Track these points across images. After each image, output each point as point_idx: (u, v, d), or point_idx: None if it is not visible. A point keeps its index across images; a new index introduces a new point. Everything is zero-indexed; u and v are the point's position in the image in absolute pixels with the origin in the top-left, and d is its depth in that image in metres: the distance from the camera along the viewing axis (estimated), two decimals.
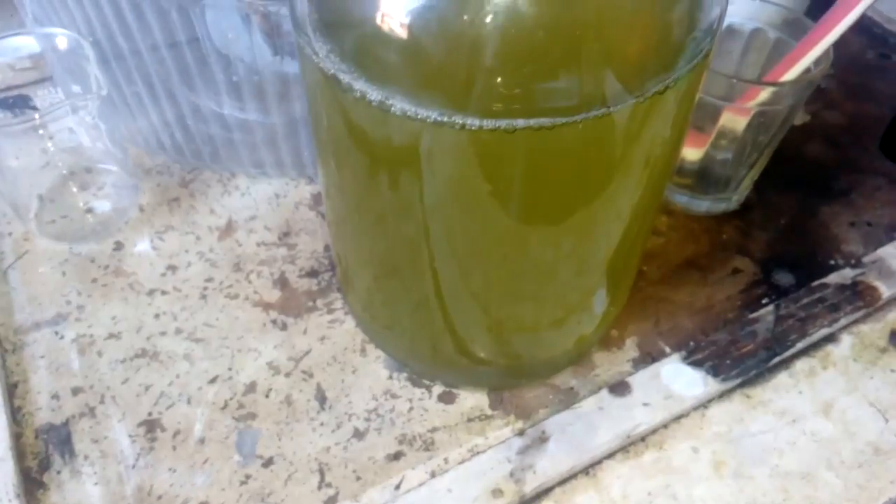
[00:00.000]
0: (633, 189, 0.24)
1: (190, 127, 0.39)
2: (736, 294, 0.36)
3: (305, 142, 0.39)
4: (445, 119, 0.20)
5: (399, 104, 0.20)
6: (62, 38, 0.34)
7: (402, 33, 0.19)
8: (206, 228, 0.38)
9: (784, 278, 0.36)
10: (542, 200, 0.23)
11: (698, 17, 0.20)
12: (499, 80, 0.19)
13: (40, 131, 0.36)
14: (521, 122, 0.19)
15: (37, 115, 0.32)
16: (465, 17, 0.18)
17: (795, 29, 0.35)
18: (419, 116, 0.20)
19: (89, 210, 0.38)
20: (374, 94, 0.20)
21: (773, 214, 0.39)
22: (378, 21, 0.19)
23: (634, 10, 0.19)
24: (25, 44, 0.37)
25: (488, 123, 0.19)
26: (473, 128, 0.19)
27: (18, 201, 0.37)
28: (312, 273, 0.37)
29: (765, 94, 0.33)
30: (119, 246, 0.37)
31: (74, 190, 0.39)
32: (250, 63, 0.35)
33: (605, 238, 0.26)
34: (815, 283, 0.36)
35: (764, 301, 0.35)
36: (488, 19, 0.18)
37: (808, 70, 0.33)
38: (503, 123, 0.19)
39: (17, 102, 0.43)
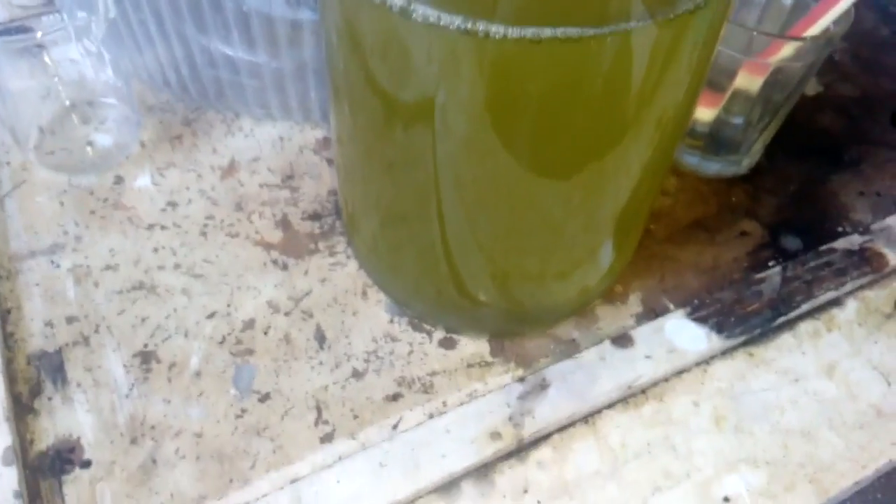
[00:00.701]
0: (648, 134, 0.24)
1: (197, 65, 0.38)
2: (743, 255, 0.35)
3: (314, 86, 0.38)
4: (469, 26, 0.19)
5: (422, 9, 0.19)
6: None
7: None
8: (209, 167, 0.38)
9: (791, 242, 0.36)
10: (558, 134, 0.22)
11: None
12: None
13: (45, 58, 0.35)
14: (547, 32, 0.19)
15: (39, 33, 0.31)
16: None
17: None
18: (442, 23, 0.19)
19: (90, 143, 0.38)
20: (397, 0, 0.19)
21: (782, 180, 0.39)
22: None
23: None
24: None
25: (514, 31, 0.19)
26: (498, 36, 0.19)
27: (18, 130, 0.37)
28: (315, 216, 0.36)
29: (786, 49, 0.32)
30: (119, 180, 0.37)
31: (76, 122, 0.38)
32: (264, 10, 0.34)
33: (615, 191, 0.26)
34: (823, 247, 0.35)
35: (770, 263, 0.35)
36: None
37: (827, 29, 0.33)
38: (529, 32, 0.19)
39: (20, 31, 0.42)
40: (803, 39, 0.32)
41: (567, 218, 0.26)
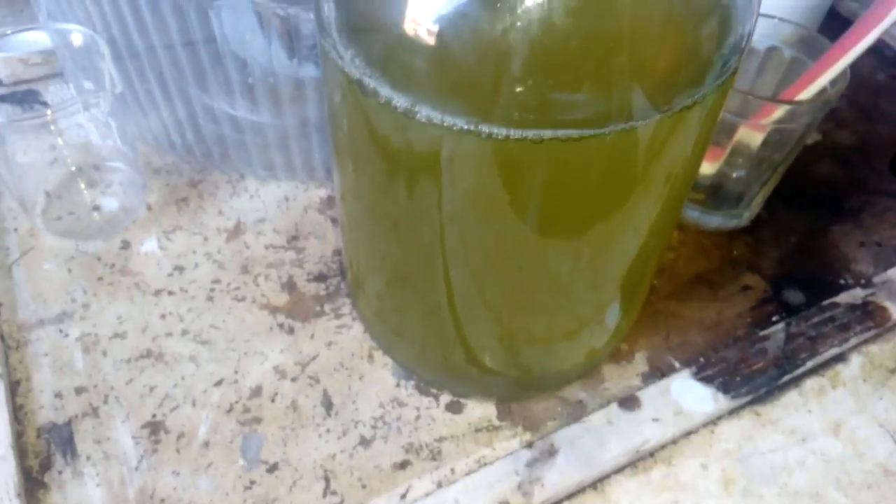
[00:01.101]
0: (653, 204, 0.24)
1: (201, 126, 0.38)
2: (746, 311, 0.36)
3: (317, 145, 0.39)
4: (472, 128, 0.19)
5: (425, 111, 0.20)
6: (77, 35, 0.34)
7: (431, 40, 0.19)
8: (215, 229, 0.38)
9: (794, 296, 0.36)
10: (563, 212, 0.23)
11: (727, 33, 0.20)
12: (527, 90, 0.19)
13: (51, 127, 0.36)
14: (548, 133, 0.19)
15: (49, 112, 0.31)
16: (496, 26, 0.18)
17: (812, 48, 0.35)
18: (445, 124, 0.20)
19: (97, 208, 0.38)
20: (400, 101, 0.20)
21: (783, 232, 0.39)
22: (406, 27, 0.19)
23: (665, 25, 0.19)
24: (37, 39, 0.37)
25: (515, 133, 0.19)
26: (500, 137, 0.19)
27: (25, 197, 0.37)
28: (321, 277, 0.36)
29: (780, 112, 0.33)
30: (126, 245, 0.37)
31: (82, 187, 0.39)
32: (266, 65, 0.34)
33: (622, 252, 0.26)
34: (826, 301, 0.36)
35: (774, 318, 0.35)
36: (519, 28, 0.18)
37: (824, 90, 0.33)
38: (530, 134, 0.19)
39: (27, 98, 0.42)
40: (797, 103, 0.33)
41: (574, 279, 0.26)
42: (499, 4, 0.18)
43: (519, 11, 0.18)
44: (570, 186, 0.22)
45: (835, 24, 0.50)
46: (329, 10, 0.21)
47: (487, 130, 0.19)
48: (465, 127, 0.19)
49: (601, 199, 0.23)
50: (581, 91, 0.19)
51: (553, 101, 0.19)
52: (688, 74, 0.20)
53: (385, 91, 0.20)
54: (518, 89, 0.19)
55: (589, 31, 0.18)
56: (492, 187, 0.22)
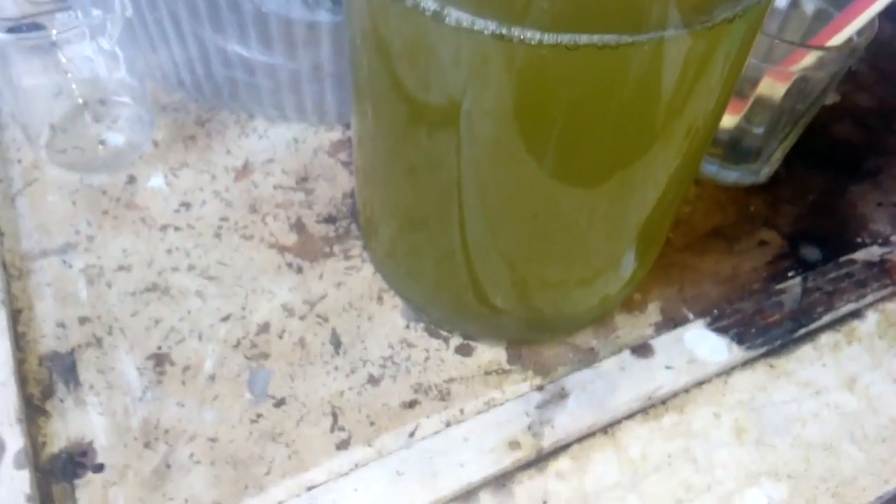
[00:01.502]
0: (676, 142, 0.23)
1: (212, 64, 0.38)
2: (762, 265, 0.35)
3: (330, 88, 0.38)
4: (504, 31, 0.19)
5: (455, 14, 0.19)
6: None
7: None
8: (223, 168, 0.37)
9: (811, 253, 0.36)
10: (586, 143, 0.22)
11: None
12: None
13: (58, 55, 0.35)
14: (584, 38, 0.18)
15: (54, 31, 0.30)
16: None
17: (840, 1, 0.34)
18: (476, 28, 0.19)
19: (102, 142, 0.37)
20: (429, 3, 0.19)
21: (801, 190, 0.39)
22: None
23: None
24: None
25: (549, 38, 0.18)
26: (533, 42, 0.19)
27: (30, 127, 0.36)
28: (330, 219, 0.36)
29: (808, 59, 0.32)
30: (132, 180, 0.36)
31: (88, 120, 0.38)
32: (281, 10, 0.34)
33: (640, 201, 0.25)
34: (843, 258, 0.35)
35: (790, 274, 0.35)
36: None
37: (850, 39, 0.32)
38: (565, 38, 0.18)
39: (32, 30, 0.41)
40: (825, 49, 0.32)
41: (591, 226, 0.26)
42: None
43: None
44: (598, 107, 0.21)
45: None
46: None
47: (520, 34, 0.19)
48: (497, 31, 0.19)
49: (628, 126, 0.22)
50: None
51: (590, 3, 0.18)
52: None
53: None
54: None
55: None
56: (518, 108, 0.21)
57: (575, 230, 0.26)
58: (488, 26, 0.19)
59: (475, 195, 0.24)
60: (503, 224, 0.25)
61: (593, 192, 0.24)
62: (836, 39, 0.32)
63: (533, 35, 0.19)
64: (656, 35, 0.19)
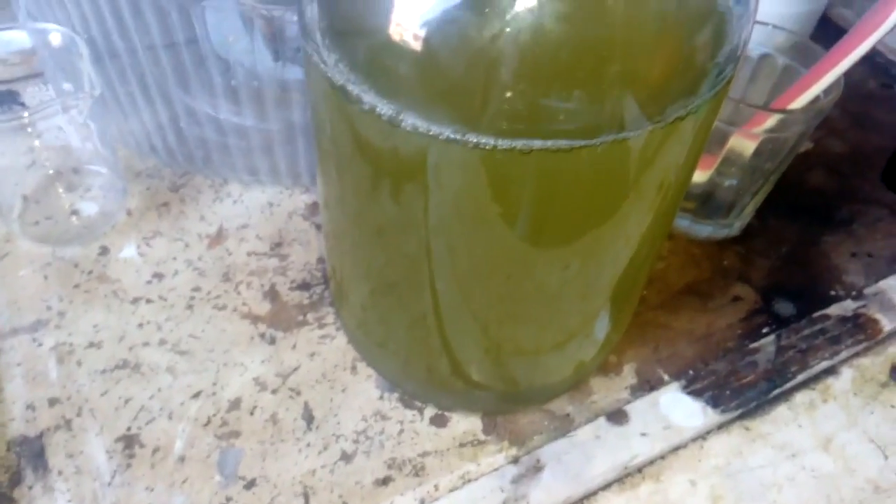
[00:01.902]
0: (644, 214, 0.23)
1: (183, 130, 0.38)
2: (736, 322, 0.35)
3: (302, 149, 0.38)
4: (459, 137, 0.19)
5: (410, 120, 0.19)
6: (56, 35, 0.33)
7: (417, 45, 0.18)
8: (196, 236, 0.37)
9: (785, 308, 0.36)
10: (552, 223, 0.22)
11: (723, 41, 0.20)
12: (516, 98, 0.18)
13: (28, 129, 0.35)
14: (537, 143, 0.18)
15: (26, 114, 0.30)
16: (484, 33, 0.18)
17: (805, 56, 0.35)
18: (431, 133, 0.19)
19: (75, 212, 0.37)
20: (385, 108, 0.19)
21: (774, 242, 0.39)
22: (391, 32, 0.18)
23: (658, 34, 0.19)
24: (16, 38, 0.36)
25: (503, 143, 0.19)
26: (487, 147, 0.19)
27: (2, 201, 0.36)
28: (304, 286, 0.36)
29: (772, 120, 0.32)
30: (104, 251, 0.36)
31: (60, 191, 0.38)
32: (250, 67, 0.34)
33: (613, 263, 0.25)
34: (817, 313, 0.35)
35: (764, 330, 0.35)
36: (508, 35, 0.17)
37: (817, 98, 0.33)
38: (519, 144, 0.18)
39: (5, 99, 0.41)
40: (788, 112, 0.32)
41: (563, 289, 0.25)
42: (487, 10, 0.17)
43: (508, 18, 0.17)
44: (559, 197, 0.21)
45: (827, 31, 0.50)
46: (312, 14, 0.21)
47: (475, 140, 0.19)
48: (452, 136, 0.19)
49: (591, 210, 0.22)
50: (571, 101, 0.18)
51: (543, 110, 0.18)
52: (682, 84, 0.19)
53: (369, 98, 0.19)
54: (507, 98, 0.18)
55: (580, 39, 0.18)
56: (479, 197, 0.21)
57: (548, 291, 0.25)
58: (443, 132, 0.19)
59: (444, 259, 0.24)
60: (474, 286, 0.25)
61: (563, 256, 0.24)
62: (803, 99, 0.33)
63: (487, 141, 0.19)
64: (608, 137, 0.19)
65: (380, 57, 0.19)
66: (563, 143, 0.18)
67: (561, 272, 0.25)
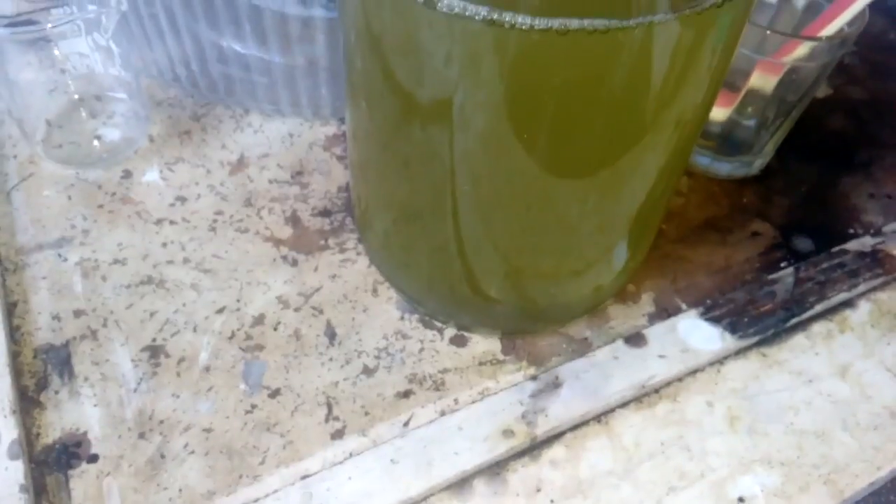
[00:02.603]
0: (667, 132, 0.24)
1: (207, 60, 0.38)
2: (755, 256, 0.35)
3: (325, 83, 0.38)
4: (495, 17, 0.19)
5: (447, 0, 0.19)
6: None
7: None
8: (217, 162, 0.37)
9: (803, 243, 0.36)
10: (577, 131, 0.22)
11: None
12: None
13: (54, 51, 0.35)
14: (574, 23, 0.18)
15: (49, 25, 0.31)
16: None
17: None
18: (468, 14, 0.19)
19: (98, 137, 0.37)
20: None
21: (793, 182, 0.39)
22: None
23: None
24: None
25: (540, 23, 0.19)
26: (524, 27, 0.19)
27: (26, 123, 0.36)
28: (325, 213, 0.36)
29: (799, 49, 0.32)
30: (127, 174, 0.36)
31: (84, 116, 0.38)
32: (278, 8, 0.34)
33: (632, 190, 0.25)
34: (835, 248, 0.35)
35: (783, 264, 0.35)
36: None
37: (842, 30, 0.33)
38: (555, 23, 0.19)
39: (27, 24, 0.41)
40: (817, 39, 0.32)
41: (583, 216, 0.26)
42: None
43: None
44: (589, 93, 0.21)
45: None
46: None
47: (511, 19, 0.19)
48: (488, 16, 0.19)
49: (619, 113, 0.22)
50: None
51: None
52: None
53: None
54: None
55: None
56: (509, 95, 0.21)
57: (567, 221, 0.26)
58: (479, 12, 0.19)
59: (468, 185, 0.24)
60: (496, 215, 0.25)
61: (584, 182, 0.24)
62: (827, 30, 0.33)
63: (524, 20, 0.19)
64: (645, 20, 0.19)
65: None
66: (599, 22, 0.18)
67: (580, 202, 0.25)
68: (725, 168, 0.38)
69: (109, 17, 0.32)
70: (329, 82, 0.38)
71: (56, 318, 0.31)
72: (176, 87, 0.40)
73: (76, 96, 0.38)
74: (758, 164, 0.38)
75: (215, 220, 0.35)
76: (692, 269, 0.35)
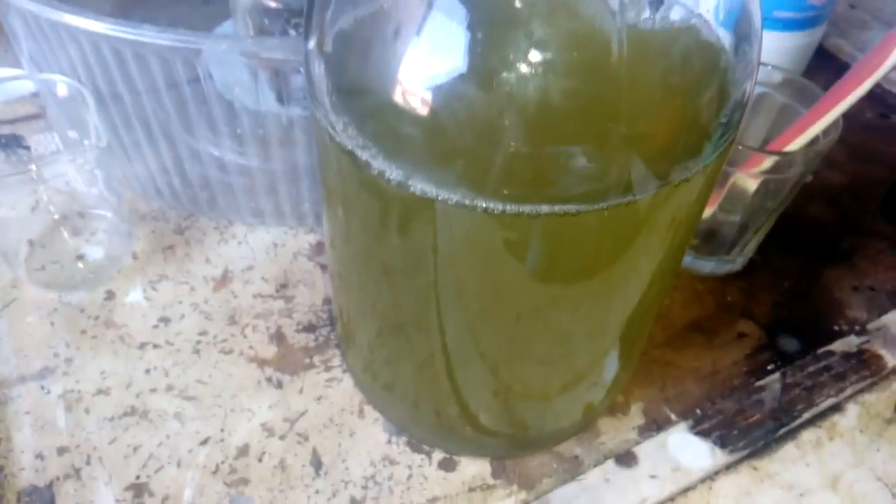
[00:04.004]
0: (652, 263, 0.24)
1: (188, 172, 0.38)
2: (742, 359, 0.35)
3: (307, 189, 0.38)
4: (467, 202, 0.19)
5: (419, 185, 0.19)
6: (62, 85, 0.33)
7: (425, 112, 0.18)
8: (202, 278, 0.37)
9: (789, 344, 0.36)
10: (560, 277, 0.22)
11: (728, 96, 0.20)
12: (524, 164, 0.18)
13: (34, 177, 0.35)
14: (545, 208, 0.19)
15: (33, 166, 0.31)
16: (490, 98, 0.18)
17: (804, 95, 0.35)
18: (440, 198, 0.19)
19: (80, 257, 0.37)
20: (394, 174, 0.19)
21: (776, 276, 0.39)
22: (399, 97, 0.19)
23: (663, 97, 0.19)
24: (21, 85, 0.36)
25: (511, 208, 0.19)
26: (496, 212, 0.19)
27: (7, 246, 0.36)
28: (310, 328, 0.36)
29: (770, 161, 0.33)
30: (110, 295, 0.36)
31: (66, 235, 0.38)
32: (254, 109, 0.34)
33: (622, 306, 0.25)
34: (821, 350, 0.35)
35: (769, 367, 0.35)
36: (514, 102, 0.18)
37: (816, 139, 0.33)
38: (527, 209, 0.19)
39: (10, 143, 0.42)
40: (787, 154, 0.33)
41: (573, 330, 0.25)
42: (495, 76, 0.18)
43: (515, 83, 0.18)
44: (567, 255, 0.21)
45: (822, 61, 0.51)
46: (320, 77, 0.21)
47: (483, 205, 0.19)
48: (461, 201, 0.19)
49: (599, 265, 0.22)
50: (578, 166, 0.18)
51: (550, 176, 0.18)
52: (688, 144, 0.20)
53: (378, 163, 0.20)
54: (514, 164, 0.18)
55: (584, 102, 0.18)
56: (487, 257, 0.21)
57: (558, 332, 0.25)
58: (452, 197, 0.19)
59: (453, 299, 0.24)
60: (484, 326, 0.25)
61: (574, 303, 0.24)
62: (802, 139, 0.33)
63: (495, 206, 0.19)
64: (615, 201, 0.19)
65: (388, 123, 0.20)
66: (570, 207, 0.19)
67: (570, 314, 0.25)
68: (708, 266, 0.38)
69: (91, 151, 0.32)
70: (312, 188, 0.38)
71: (39, 456, 0.31)
72: (159, 200, 0.40)
73: (57, 215, 0.38)
74: (740, 260, 0.39)
75: (199, 342, 0.35)
76: (680, 375, 0.35)
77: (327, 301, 0.37)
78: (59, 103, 0.34)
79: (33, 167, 0.31)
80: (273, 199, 0.39)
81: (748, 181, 0.34)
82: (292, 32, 0.42)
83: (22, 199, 0.37)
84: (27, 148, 0.42)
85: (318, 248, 0.39)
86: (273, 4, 0.42)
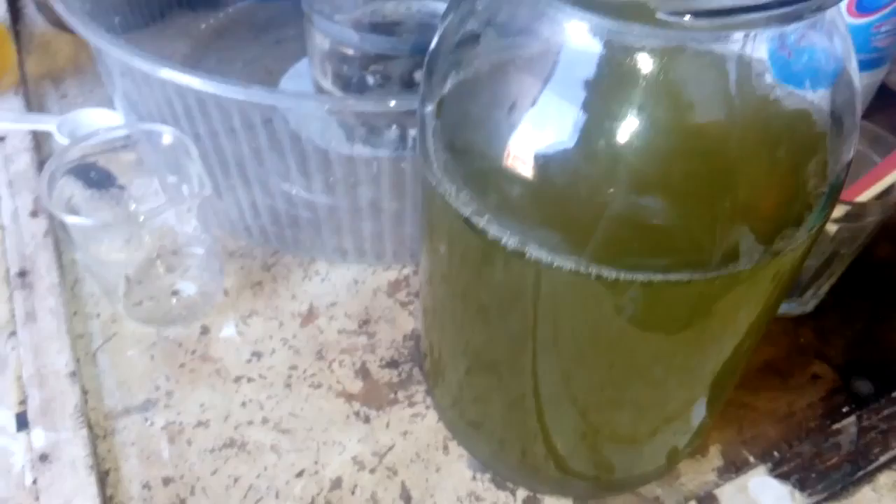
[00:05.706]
0: (751, 317, 0.24)
1: (279, 212, 0.40)
2: (817, 401, 0.36)
3: (388, 226, 0.40)
4: (581, 269, 0.20)
5: (534, 252, 0.21)
6: (167, 136, 0.36)
7: (546, 184, 0.20)
8: (289, 314, 0.39)
9: (863, 386, 0.36)
10: (660, 333, 0.23)
11: (835, 161, 0.21)
12: (639, 235, 0.20)
13: (130, 207, 0.37)
14: (658, 277, 0.20)
15: (142, 217, 0.33)
16: (606, 172, 0.19)
17: (878, 143, 0.36)
18: (554, 265, 0.20)
19: (175, 293, 0.39)
20: (509, 240, 0.21)
21: (847, 318, 0.39)
22: (522, 169, 0.20)
23: (774, 165, 0.20)
24: (118, 133, 0.38)
25: (625, 276, 0.20)
26: (609, 279, 0.20)
27: (108, 282, 0.38)
28: (393, 363, 0.37)
29: (843, 209, 0.33)
30: (205, 330, 0.38)
31: (161, 272, 0.40)
32: (346, 157, 0.36)
33: (717, 357, 0.26)
34: (895, 393, 0.36)
35: (844, 409, 0.35)
36: (631, 176, 0.19)
37: (892, 187, 0.34)
38: (640, 276, 0.20)
39: (103, 181, 0.44)
40: (859, 205, 0.33)
41: (666, 377, 0.26)
42: (612, 150, 0.19)
43: (632, 159, 0.19)
44: (670, 317, 0.22)
45: (882, 98, 0.51)
46: (432, 146, 0.23)
47: (596, 272, 0.20)
48: (574, 268, 0.20)
49: (699, 323, 0.23)
50: (689, 236, 0.20)
51: (663, 246, 0.20)
52: (797, 212, 0.20)
53: (494, 230, 0.21)
54: (629, 234, 0.20)
55: (697, 174, 0.19)
56: (592, 315, 0.22)
57: (651, 379, 0.26)
58: (566, 264, 0.20)
59: (549, 341, 0.24)
60: (578, 372, 0.26)
61: (672, 347, 0.24)
62: (876, 188, 0.34)
63: (609, 273, 0.20)
64: (724, 271, 0.20)
65: (505, 191, 0.21)
66: (682, 276, 0.20)
67: (666, 364, 0.25)
68: (782, 308, 0.39)
69: (194, 199, 0.34)
70: (392, 226, 0.40)
71: (146, 486, 0.33)
72: (246, 237, 0.42)
73: (153, 253, 0.40)
74: (812, 302, 0.39)
75: (290, 376, 0.37)
76: (757, 417, 0.35)
77: (407, 337, 0.38)
78: (162, 150, 0.37)
79: (142, 218, 0.33)
80: (356, 237, 0.40)
81: (828, 227, 0.35)
82: (370, 79, 0.44)
83: (119, 235, 0.39)
84: (121, 188, 0.44)
85: (397, 284, 0.41)
86: (350, 52, 0.44)
